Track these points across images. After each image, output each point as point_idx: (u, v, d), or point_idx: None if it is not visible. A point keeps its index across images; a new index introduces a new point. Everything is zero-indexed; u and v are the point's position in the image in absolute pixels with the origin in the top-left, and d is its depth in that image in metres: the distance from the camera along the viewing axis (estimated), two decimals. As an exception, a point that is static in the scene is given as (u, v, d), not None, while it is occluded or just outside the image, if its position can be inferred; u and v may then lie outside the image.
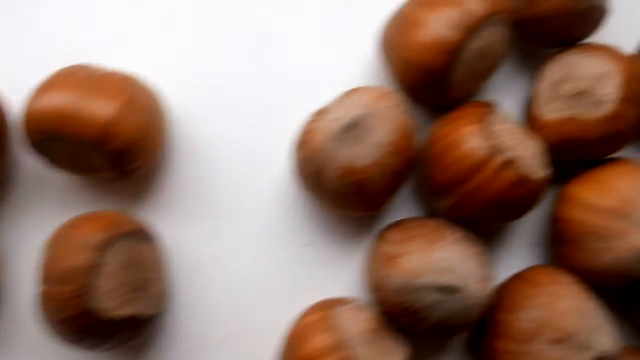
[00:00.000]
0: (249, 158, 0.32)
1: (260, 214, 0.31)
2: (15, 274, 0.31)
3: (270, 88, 0.32)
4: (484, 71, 0.28)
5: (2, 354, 0.31)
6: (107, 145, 0.26)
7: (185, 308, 0.31)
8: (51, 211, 0.31)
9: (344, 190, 0.27)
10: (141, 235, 0.28)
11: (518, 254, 0.31)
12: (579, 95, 0.27)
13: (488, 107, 0.28)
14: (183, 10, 0.33)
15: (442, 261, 0.26)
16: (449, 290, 0.25)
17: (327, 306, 0.28)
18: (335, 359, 0.25)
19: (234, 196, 0.31)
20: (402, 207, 0.32)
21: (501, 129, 0.27)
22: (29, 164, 0.31)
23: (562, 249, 0.29)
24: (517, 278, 0.28)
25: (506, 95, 0.32)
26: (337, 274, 0.31)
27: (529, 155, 0.27)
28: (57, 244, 0.26)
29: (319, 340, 0.26)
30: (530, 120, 0.30)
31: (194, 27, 0.32)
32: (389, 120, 0.27)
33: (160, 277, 0.29)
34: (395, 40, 0.28)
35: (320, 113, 0.28)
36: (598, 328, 0.26)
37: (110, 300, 0.26)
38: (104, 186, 0.31)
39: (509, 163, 0.26)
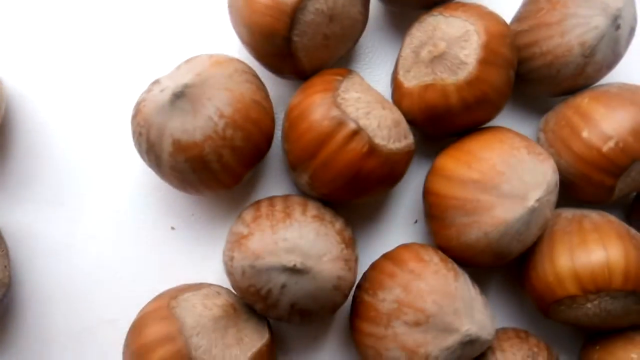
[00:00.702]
0: (94, 139, 0.29)
1: (116, 197, 0.29)
2: None
3: (112, 61, 0.30)
4: (337, 37, 0.26)
5: None
6: None
7: (32, 299, 0.28)
8: None
9: (181, 167, 0.25)
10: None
11: (400, 232, 0.29)
12: (438, 58, 0.25)
13: (341, 75, 0.26)
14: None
15: (289, 240, 0.24)
16: (295, 271, 0.23)
17: (175, 294, 0.25)
18: (168, 350, 0.23)
19: (82, 179, 0.29)
20: (273, 185, 0.29)
21: (352, 98, 0.25)
22: None
23: (433, 225, 0.27)
24: (384, 257, 0.26)
25: (377, 64, 0.30)
26: (203, 259, 0.29)
27: (382, 125, 0.25)
28: None
29: (155, 332, 0.23)
30: (395, 89, 0.27)
31: (27, 5, 0.30)
32: (225, 91, 0.24)
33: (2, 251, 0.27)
34: (239, 5, 0.26)
35: (153, 83, 0.25)
36: (465, 310, 0.24)
37: None
38: None
39: (357, 133, 0.24)
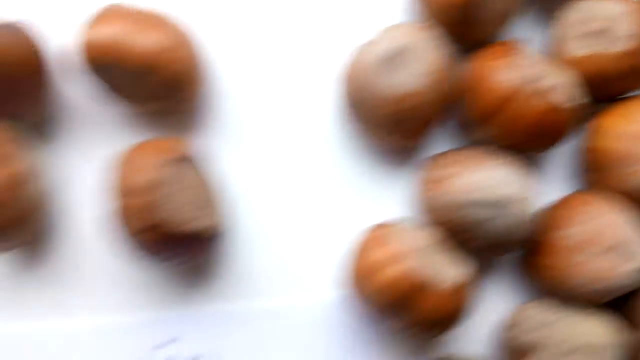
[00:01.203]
0: (291, 96, 0.33)
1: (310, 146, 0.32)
2: (71, 202, 0.32)
3: (309, 27, 0.33)
4: (507, 12, 0.30)
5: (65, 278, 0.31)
6: (161, 71, 0.27)
7: (245, 232, 0.32)
8: (100, 142, 0.32)
9: (389, 117, 0.28)
10: (200, 160, 0.29)
11: (555, 185, 0.33)
12: (599, 33, 0.30)
13: (517, 44, 0.30)
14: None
15: (489, 180, 0.27)
16: (496, 205, 0.27)
17: (387, 225, 0.28)
18: (395, 269, 0.26)
19: (278, 124, 0.32)
20: (443, 141, 0.33)
21: (530, 62, 0.29)
22: (77, 97, 0.32)
23: (594, 177, 0.30)
24: (560, 202, 0.30)
25: (532, 35, 0.34)
26: (386, 194, 0.32)
27: (559, 83, 0.29)
28: (128, 164, 0.27)
29: (379, 254, 0.26)
30: (556, 57, 0.32)
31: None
32: (428, 53, 0.29)
33: (218, 198, 0.30)
34: None
35: (365, 45, 0.29)
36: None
37: (179, 215, 0.27)
38: (153, 118, 0.32)
39: (539, 92, 0.28)
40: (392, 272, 0.26)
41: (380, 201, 0.32)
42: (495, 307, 0.32)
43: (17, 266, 0.32)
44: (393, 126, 0.29)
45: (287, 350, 0.32)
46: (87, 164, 0.32)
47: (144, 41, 0.27)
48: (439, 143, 0.33)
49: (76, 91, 0.32)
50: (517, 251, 0.31)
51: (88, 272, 0.32)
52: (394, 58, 0.28)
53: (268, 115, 0.33)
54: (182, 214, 0.27)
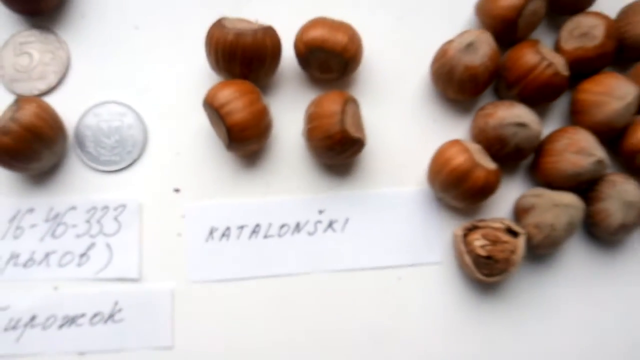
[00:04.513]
0: (402, 75, 0.57)
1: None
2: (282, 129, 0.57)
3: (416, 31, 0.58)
4: (534, 23, 0.55)
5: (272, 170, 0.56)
6: (345, 54, 0.52)
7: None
8: (301, 94, 0.57)
9: (465, 80, 0.53)
10: (356, 103, 0.53)
11: (554, 121, 0.57)
12: (583, 35, 0.54)
13: (537, 41, 0.54)
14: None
15: (517, 112, 0.51)
16: (521, 125, 0.51)
17: (455, 140, 0.52)
18: (465, 155, 0.49)
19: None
20: (491, 96, 0.58)
21: (545, 50, 0.53)
22: (292, 74, 0.57)
23: (576, 117, 0.54)
24: (556, 130, 0.53)
25: (543, 39, 0.58)
26: (452, 131, 0.56)
27: (559, 63, 0.53)
28: (318, 103, 0.51)
29: (454, 149, 0.50)
30: (558, 50, 0.56)
31: None
32: (488, 44, 0.53)
33: (363, 124, 0.54)
34: (487, 6, 0.55)
35: (449, 42, 0.54)
36: (599, 149, 0.50)
37: (351, 128, 0.51)
38: (332, 83, 0.57)
39: (550, 65, 0.52)
40: (461, 157, 0.50)
41: (451, 132, 0.57)
42: (511, 192, 0.56)
43: (244, 164, 0.57)
44: (466, 86, 0.53)
45: (391, 216, 0.56)
46: (293, 107, 0.57)
47: (337, 38, 0.52)
48: (489, 97, 0.58)
49: (290, 69, 0.58)
50: (529, 157, 0.55)
51: (284, 169, 0.56)
52: (469, 46, 0.52)
53: (388, 85, 0.58)
54: (350, 128, 0.51)
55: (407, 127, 0.57)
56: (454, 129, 0.57)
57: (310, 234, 0.54)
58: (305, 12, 0.56)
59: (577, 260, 0.55)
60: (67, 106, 0.56)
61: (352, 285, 0.54)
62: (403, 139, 0.57)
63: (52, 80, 0.57)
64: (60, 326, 0.53)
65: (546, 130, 0.56)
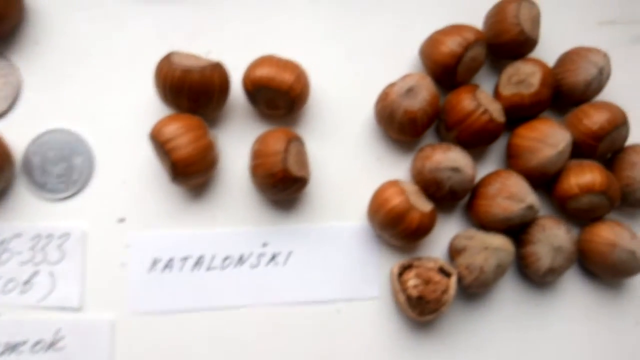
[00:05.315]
0: (347, 115, 0.59)
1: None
2: (229, 162, 0.58)
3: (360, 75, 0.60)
4: (474, 69, 0.57)
5: (217, 203, 0.57)
6: (291, 93, 0.53)
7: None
8: (249, 129, 0.58)
9: (405, 123, 0.55)
10: (301, 141, 0.55)
11: (489, 165, 0.59)
12: (520, 82, 0.56)
13: (476, 87, 0.56)
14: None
15: (452, 157, 0.53)
16: (455, 169, 0.53)
17: (394, 181, 0.54)
18: (401, 197, 0.51)
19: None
20: (430, 138, 0.59)
21: (482, 96, 0.55)
22: (240, 107, 0.58)
23: (510, 161, 0.57)
24: (490, 173, 0.56)
25: (484, 82, 0.60)
26: (394, 170, 0.58)
27: (495, 110, 0.55)
28: (264, 140, 0.53)
29: (391, 190, 0.52)
30: (496, 95, 0.58)
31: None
32: (427, 90, 0.54)
33: (308, 162, 0.55)
34: (429, 50, 0.57)
35: (391, 85, 0.55)
36: (530, 195, 0.53)
37: (293, 167, 0.52)
38: (278, 119, 0.58)
39: (485, 112, 0.54)
40: (397, 199, 0.52)
41: (393, 171, 0.59)
42: (447, 231, 0.58)
43: (190, 195, 0.58)
44: (406, 129, 0.55)
45: (333, 251, 0.57)
46: (240, 141, 0.58)
47: (283, 77, 0.53)
48: (431, 137, 0.60)
49: (238, 102, 0.59)
50: (463, 199, 0.57)
51: (229, 202, 0.58)
52: (409, 91, 0.54)
53: (334, 122, 0.59)
54: (292, 167, 0.53)
55: (351, 163, 0.58)
56: (396, 167, 0.59)
57: (253, 266, 0.56)
58: (257, 44, 0.59)
59: (509, 299, 0.58)
60: (15, 132, 0.56)
61: (292, 318, 0.56)
62: (347, 175, 0.58)
63: (2, 105, 0.57)
64: (2, 353, 0.53)
65: (484, 170, 0.58)
